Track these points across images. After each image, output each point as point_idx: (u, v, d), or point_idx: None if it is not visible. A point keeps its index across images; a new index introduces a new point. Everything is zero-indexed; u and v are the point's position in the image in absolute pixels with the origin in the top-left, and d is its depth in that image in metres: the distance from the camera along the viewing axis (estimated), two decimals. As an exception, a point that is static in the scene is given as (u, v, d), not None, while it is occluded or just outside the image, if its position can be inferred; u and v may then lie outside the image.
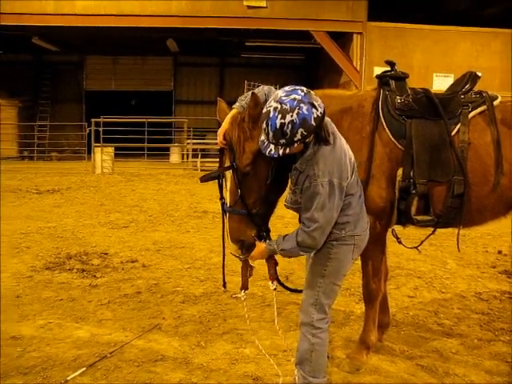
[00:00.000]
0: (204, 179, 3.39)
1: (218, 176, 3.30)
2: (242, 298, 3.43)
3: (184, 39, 21.80)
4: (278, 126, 2.83)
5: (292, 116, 2.81)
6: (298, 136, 2.86)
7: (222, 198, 3.32)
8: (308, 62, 24.24)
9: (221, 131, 3.22)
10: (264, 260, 3.35)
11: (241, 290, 3.41)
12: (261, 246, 3.24)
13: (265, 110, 2.90)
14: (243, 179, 3.18)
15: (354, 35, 17.11)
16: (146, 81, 27.65)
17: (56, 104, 26.82)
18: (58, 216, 9.97)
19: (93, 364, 3.94)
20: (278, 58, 23.75)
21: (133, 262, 6.76)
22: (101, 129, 18.90)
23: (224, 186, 3.31)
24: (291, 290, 3.96)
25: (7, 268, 6.30)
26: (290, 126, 2.82)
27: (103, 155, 18.30)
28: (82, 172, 17.70)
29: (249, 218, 3.23)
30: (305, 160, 3.01)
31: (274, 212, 3.42)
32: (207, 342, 4.38)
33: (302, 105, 2.83)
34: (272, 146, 2.91)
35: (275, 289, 3.41)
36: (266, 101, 3.07)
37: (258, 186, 3.19)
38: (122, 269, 6.46)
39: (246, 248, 3.28)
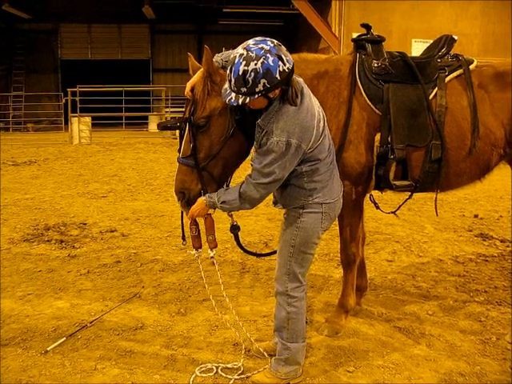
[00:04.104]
0: (161, 127, 3.40)
1: (176, 126, 3.26)
2: (194, 256, 3.38)
3: (160, 5, 21.37)
4: (240, 73, 2.75)
5: (256, 64, 2.72)
6: (260, 87, 2.77)
7: (179, 148, 3.27)
8: (286, 29, 23.98)
9: (190, 82, 3.17)
10: (204, 222, 3.28)
11: (193, 248, 3.36)
12: (200, 200, 3.18)
13: (232, 56, 2.83)
14: (197, 132, 3.14)
15: (333, 0, 16.88)
16: (123, 49, 27.17)
17: (31, 74, 26.20)
18: (35, 187, 9.86)
19: (73, 334, 3.94)
20: (257, 24, 23.39)
21: (112, 231, 6.73)
22: (77, 98, 18.56)
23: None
24: (253, 254, 4.00)
25: (-16, 240, 6.24)
26: (252, 74, 2.73)
27: (80, 125, 18.02)
28: (60, 143, 17.44)
29: (197, 173, 3.19)
30: (267, 116, 2.94)
31: (231, 176, 3.37)
32: (187, 309, 4.40)
33: (268, 55, 2.74)
34: (233, 95, 2.83)
35: (212, 257, 3.35)
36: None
37: (209, 142, 3.15)
38: (101, 238, 6.43)
39: (185, 201, 3.24)
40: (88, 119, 18.44)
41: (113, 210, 8.01)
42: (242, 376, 3.38)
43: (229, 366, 3.50)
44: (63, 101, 19.22)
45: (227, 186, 3.34)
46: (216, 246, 3.35)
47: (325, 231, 3.30)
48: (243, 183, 3.05)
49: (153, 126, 21.88)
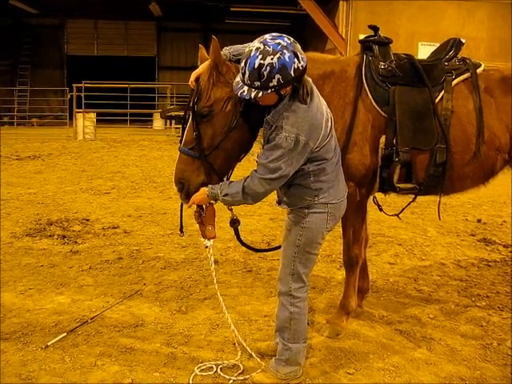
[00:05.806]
0: (164, 115, 3.39)
1: (179, 117, 3.26)
2: (206, 245, 3.35)
3: (168, 3, 21.37)
4: (255, 66, 2.73)
5: (272, 59, 2.71)
6: (274, 82, 2.76)
7: (181, 139, 3.26)
8: (293, 29, 23.91)
9: (195, 72, 3.17)
10: (205, 212, 3.25)
11: (202, 236, 3.33)
12: (202, 190, 3.16)
13: (247, 50, 2.81)
14: (200, 122, 3.13)
15: (340, 2, 16.81)
16: (129, 46, 27.21)
17: (36, 68, 26.24)
18: (38, 182, 9.87)
19: (73, 329, 3.94)
20: (264, 24, 23.31)
21: (114, 228, 6.73)
22: (82, 94, 18.58)
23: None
24: (252, 249, 3.98)
25: (-13, 234, 6.24)
26: (268, 68, 2.72)
27: (85, 121, 18.04)
28: (64, 138, 17.46)
29: (199, 163, 3.18)
30: (277, 113, 2.92)
31: (232, 170, 3.36)
32: (188, 307, 4.40)
33: (285, 51, 2.73)
34: (245, 88, 2.82)
35: (207, 247, 3.32)
36: None
37: (212, 132, 3.14)
38: (104, 235, 6.43)
39: (185, 192, 3.23)
40: (93, 115, 18.46)
41: (116, 206, 8.01)
42: (241, 377, 3.37)
43: (229, 365, 3.50)
44: (68, 96, 19.25)
45: (227, 179, 3.31)
46: (214, 237, 3.32)
47: (329, 232, 3.29)
48: (248, 177, 3.02)
49: (157, 123, 21.92)
